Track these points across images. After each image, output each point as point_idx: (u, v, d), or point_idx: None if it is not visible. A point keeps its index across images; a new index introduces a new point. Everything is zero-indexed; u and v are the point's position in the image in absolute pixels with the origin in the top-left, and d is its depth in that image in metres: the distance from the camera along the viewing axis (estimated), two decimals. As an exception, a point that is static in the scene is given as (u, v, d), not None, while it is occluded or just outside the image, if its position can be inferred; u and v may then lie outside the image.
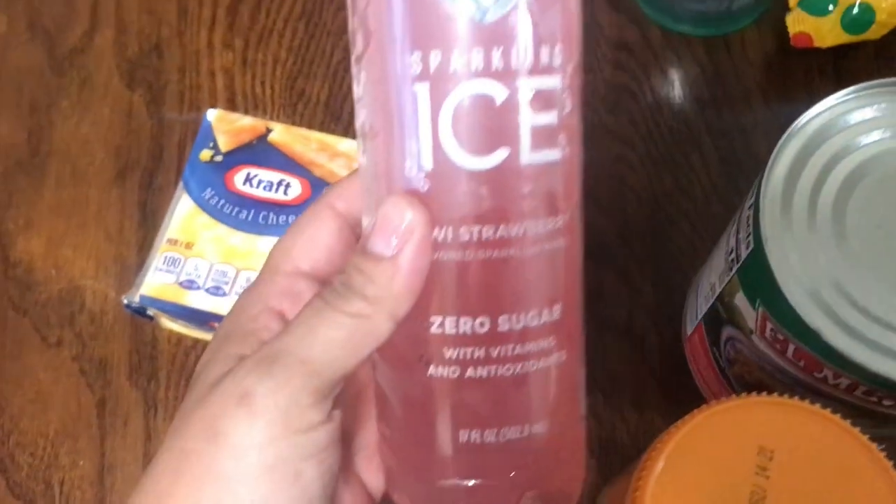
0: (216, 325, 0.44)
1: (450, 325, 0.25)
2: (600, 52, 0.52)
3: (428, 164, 0.24)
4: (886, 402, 0.31)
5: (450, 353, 0.25)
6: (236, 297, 0.42)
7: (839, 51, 0.50)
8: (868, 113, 0.33)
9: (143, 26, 0.55)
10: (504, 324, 0.25)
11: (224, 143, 0.47)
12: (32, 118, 0.53)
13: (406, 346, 0.26)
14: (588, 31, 0.52)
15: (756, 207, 0.32)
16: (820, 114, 0.33)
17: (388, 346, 0.25)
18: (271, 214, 0.45)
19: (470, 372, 0.25)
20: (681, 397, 0.43)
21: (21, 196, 0.51)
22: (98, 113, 0.53)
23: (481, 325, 0.25)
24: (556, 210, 0.25)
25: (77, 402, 0.46)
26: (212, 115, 0.48)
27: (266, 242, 0.45)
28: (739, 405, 0.27)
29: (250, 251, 0.44)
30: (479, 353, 0.25)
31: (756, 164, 0.47)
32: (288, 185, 0.46)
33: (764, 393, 0.28)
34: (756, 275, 0.32)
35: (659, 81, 0.51)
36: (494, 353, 0.25)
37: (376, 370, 0.27)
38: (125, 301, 0.44)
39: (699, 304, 0.41)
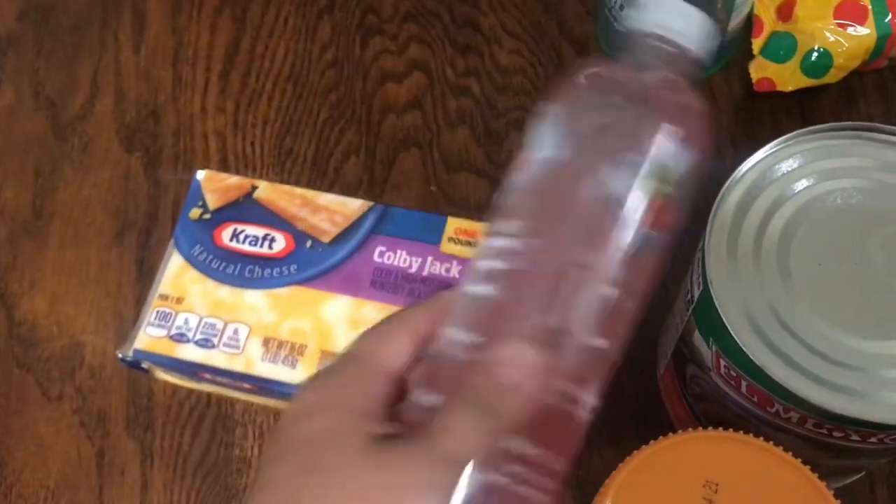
0: (206, 375, 0.46)
1: None
2: (575, 103, 0.54)
3: None
4: (836, 434, 0.32)
5: None
6: (224, 349, 0.45)
7: (804, 94, 0.52)
8: (800, 160, 0.35)
9: (140, 94, 0.58)
10: None
11: (212, 202, 0.49)
12: (37, 183, 0.56)
13: None
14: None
15: (703, 250, 0.33)
16: (758, 162, 0.35)
17: None
18: (256, 268, 0.47)
19: None
20: (656, 433, 0.45)
21: (25, 257, 0.53)
22: (98, 176, 0.55)
23: None
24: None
25: (77, 453, 0.48)
26: (201, 175, 0.50)
27: (251, 295, 0.47)
28: (683, 440, 0.29)
29: (237, 303, 0.47)
30: None
31: (710, 205, 0.49)
32: (273, 240, 0.48)
33: (710, 428, 0.30)
34: (707, 314, 0.34)
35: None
36: None
37: None
38: (120, 355, 0.46)
39: (668, 343, 0.42)
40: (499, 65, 0.56)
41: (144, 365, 0.47)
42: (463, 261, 0.47)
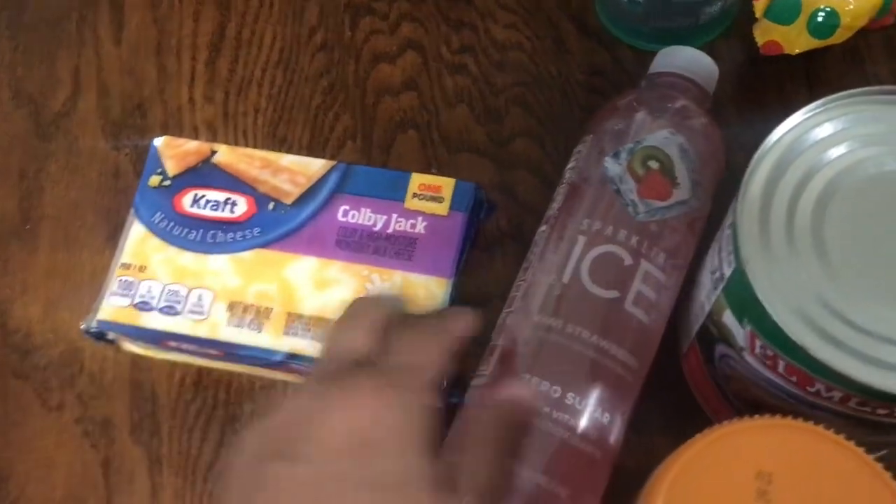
0: (172, 343, 0.45)
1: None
2: (573, 79, 0.53)
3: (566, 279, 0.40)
4: (881, 412, 0.31)
5: None
6: (189, 315, 0.45)
7: (808, 56, 0.50)
8: (834, 126, 0.33)
9: (125, 87, 0.55)
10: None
11: (171, 168, 0.49)
12: (22, 185, 0.54)
13: None
14: (559, 58, 0.53)
15: (734, 227, 0.32)
16: (788, 131, 0.33)
17: None
18: (219, 233, 0.47)
19: None
20: (680, 415, 0.43)
21: (16, 263, 0.51)
22: (86, 176, 0.53)
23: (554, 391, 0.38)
24: (635, 353, 0.40)
25: (82, 463, 0.47)
26: (158, 142, 0.49)
27: (215, 260, 0.46)
28: (733, 430, 0.28)
29: (200, 270, 0.46)
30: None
31: (734, 178, 0.48)
32: (234, 204, 0.47)
33: (757, 416, 0.28)
34: (740, 294, 0.33)
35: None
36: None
37: None
38: (83, 327, 0.45)
39: (691, 322, 0.41)
40: (495, 40, 0.54)
41: (110, 336, 0.46)
42: (428, 216, 0.46)
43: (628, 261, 0.40)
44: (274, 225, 0.47)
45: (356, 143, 0.53)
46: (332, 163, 0.48)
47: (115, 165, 0.53)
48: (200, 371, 0.48)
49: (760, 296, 0.31)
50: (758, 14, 0.51)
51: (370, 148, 0.52)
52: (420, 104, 0.53)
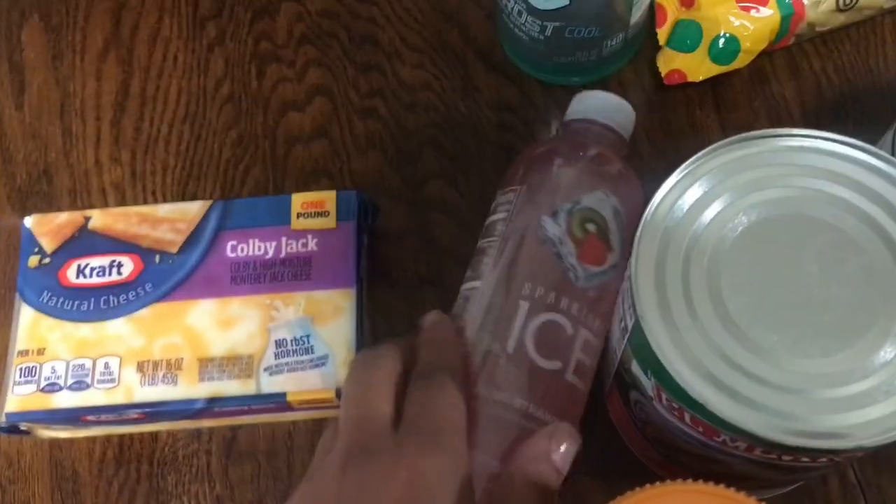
0: (90, 417, 0.44)
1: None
2: (482, 115, 0.52)
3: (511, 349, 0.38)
4: (786, 458, 0.31)
5: None
6: (99, 386, 0.44)
7: (714, 80, 0.51)
8: (710, 181, 0.33)
9: (29, 153, 0.54)
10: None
11: (48, 244, 0.47)
12: (-75, 262, 0.52)
13: None
14: (468, 95, 0.53)
15: (630, 282, 0.32)
16: (668, 192, 0.33)
17: None
18: (111, 297, 0.46)
19: None
20: (608, 455, 0.44)
21: (-77, 345, 0.50)
22: (-8, 248, 0.52)
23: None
24: (567, 417, 0.38)
25: (5, 552, 0.45)
26: (29, 221, 0.48)
27: (113, 325, 0.45)
28: (650, 497, 0.27)
29: (101, 338, 0.45)
30: None
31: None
32: (120, 265, 0.47)
33: (665, 482, 0.28)
34: (642, 347, 0.32)
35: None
36: None
37: None
38: None
39: (609, 366, 0.41)
40: (403, 81, 0.54)
41: (23, 426, 0.44)
42: (317, 233, 0.46)
43: (570, 330, 0.38)
44: (164, 277, 0.46)
45: (268, 194, 0.52)
46: (209, 202, 0.47)
47: (20, 236, 0.52)
48: (122, 443, 0.47)
49: (657, 350, 0.31)
50: (661, 42, 0.51)
51: (284, 199, 0.51)
52: (332, 151, 0.53)
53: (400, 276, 0.49)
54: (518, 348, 0.38)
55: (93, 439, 0.47)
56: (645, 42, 0.53)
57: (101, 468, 0.46)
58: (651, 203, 0.33)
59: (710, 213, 0.33)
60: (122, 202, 0.52)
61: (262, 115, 0.54)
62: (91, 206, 0.52)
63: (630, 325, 0.33)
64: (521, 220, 0.41)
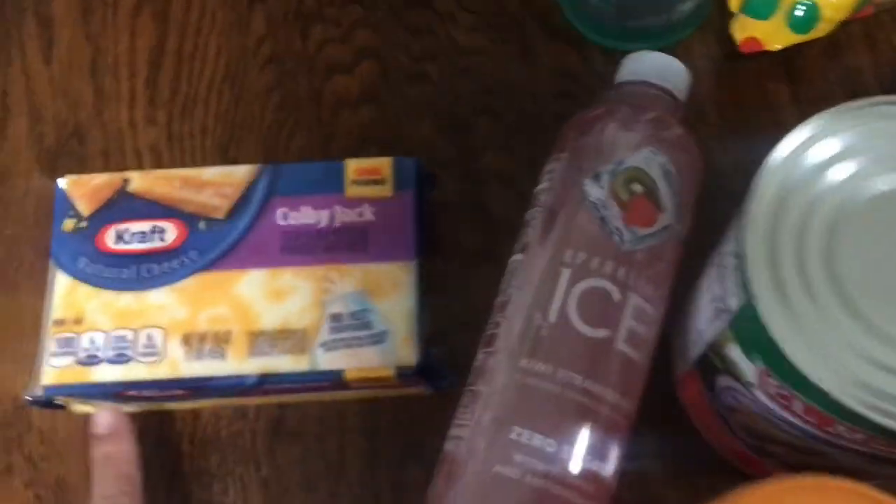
0: (131, 393, 0.41)
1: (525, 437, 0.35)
2: (541, 82, 0.50)
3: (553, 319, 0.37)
4: (905, 450, 0.29)
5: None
6: (142, 359, 0.41)
7: (785, 52, 0.48)
8: (835, 144, 0.31)
9: (58, 111, 0.51)
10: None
11: (84, 208, 0.44)
12: (-51, 225, 0.49)
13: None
14: (526, 62, 0.50)
15: (741, 260, 0.30)
16: (787, 155, 0.31)
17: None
18: (153, 265, 0.43)
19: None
20: (678, 444, 0.41)
21: (-52, 312, 0.47)
22: (22, 210, 0.49)
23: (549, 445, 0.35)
24: (626, 393, 0.37)
25: (38, 532, 0.43)
26: (63, 182, 0.45)
27: (156, 295, 0.42)
28: (768, 494, 0.25)
29: (143, 308, 0.42)
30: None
31: (719, 183, 0.46)
32: (162, 231, 0.44)
33: (797, 475, 0.26)
34: (751, 330, 0.30)
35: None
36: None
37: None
38: (29, 397, 0.41)
39: (688, 349, 0.38)
40: (456, 45, 0.51)
41: (59, 401, 0.42)
42: (373, 201, 0.43)
43: (617, 295, 0.37)
44: (210, 244, 0.43)
45: (315, 160, 0.49)
46: (257, 166, 0.45)
47: (52, 198, 0.49)
48: (162, 420, 0.44)
49: (775, 335, 0.28)
50: (733, 9, 0.48)
51: (330, 167, 0.49)
52: (381, 117, 0.50)
53: (454, 249, 0.47)
54: (561, 317, 0.36)
55: (130, 415, 0.44)
56: (713, 10, 0.50)
57: (139, 447, 0.44)
58: (769, 160, 0.30)
59: (836, 175, 0.30)
60: (158, 165, 0.49)
61: (307, 77, 0.51)
62: (125, 169, 0.49)
63: (735, 306, 0.31)
64: (563, 186, 0.39)
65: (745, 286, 0.30)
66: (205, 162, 0.49)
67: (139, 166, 0.49)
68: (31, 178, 0.50)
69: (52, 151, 0.50)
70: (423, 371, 0.41)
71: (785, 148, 0.31)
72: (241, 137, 0.50)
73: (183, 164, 0.49)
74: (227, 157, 0.49)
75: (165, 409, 0.45)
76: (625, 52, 0.49)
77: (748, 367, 0.32)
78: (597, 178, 0.39)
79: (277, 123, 0.50)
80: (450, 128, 0.49)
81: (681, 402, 0.42)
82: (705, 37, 0.50)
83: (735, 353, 0.32)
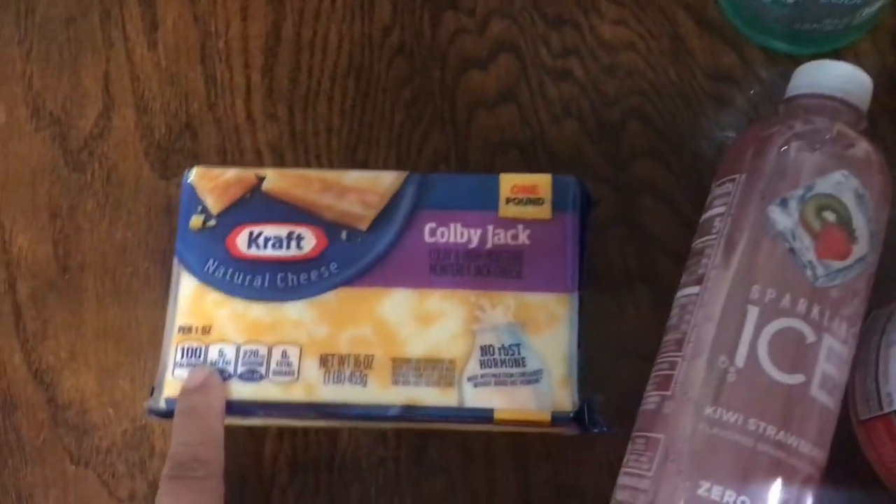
0: (259, 413, 0.38)
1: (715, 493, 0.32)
2: (696, 84, 0.46)
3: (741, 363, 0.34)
4: None
5: None
6: (276, 378, 0.38)
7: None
8: None
9: (167, 102, 0.47)
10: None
11: (213, 205, 0.41)
12: (54, 225, 0.45)
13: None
14: (678, 60, 0.46)
15: None
16: None
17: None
18: (289, 275, 0.40)
19: None
20: (861, 498, 0.39)
21: (57, 322, 0.44)
22: (132, 212, 0.45)
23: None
24: (820, 444, 0.34)
25: (167, 567, 0.40)
26: (191, 174, 0.41)
27: (293, 308, 0.39)
28: None
29: (277, 321, 0.39)
30: None
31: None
32: (300, 238, 0.40)
33: None
34: None
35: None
36: None
37: None
38: (148, 407, 0.38)
39: (879, 389, 0.35)
40: (602, 40, 0.47)
41: None
42: (529, 223, 0.40)
43: (811, 337, 0.34)
44: (352, 257, 0.40)
45: (450, 166, 0.45)
46: (404, 174, 0.41)
47: (166, 198, 0.45)
48: (295, 445, 0.41)
49: None
50: (915, 10, 0.44)
51: (466, 172, 0.45)
52: (521, 118, 0.46)
53: (605, 270, 0.43)
54: (750, 361, 0.34)
55: (260, 438, 0.41)
56: (887, 13, 0.46)
57: (272, 474, 0.41)
58: None
59: None
60: (280, 165, 0.46)
61: (440, 71, 0.47)
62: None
63: None
64: (744, 212, 0.36)
65: None
66: (331, 164, 0.45)
67: (259, 166, 0.46)
68: (141, 176, 0.46)
69: (163, 147, 0.46)
70: (581, 418, 0.38)
71: None
72: (370, 138, 0.46)
73: (307, 165, 0.46)
74: (355, 159, 0.46)
75: (297, 426, 0.41)
76: (790, 56, 0.46)
77: None
78: (784, 204, 0.35)
79: (410, 123, 0.46)
80: (597, 132, 0.45)
81: (863, 450, 0.39)
82: (878, 40, 0.46)
83: None
